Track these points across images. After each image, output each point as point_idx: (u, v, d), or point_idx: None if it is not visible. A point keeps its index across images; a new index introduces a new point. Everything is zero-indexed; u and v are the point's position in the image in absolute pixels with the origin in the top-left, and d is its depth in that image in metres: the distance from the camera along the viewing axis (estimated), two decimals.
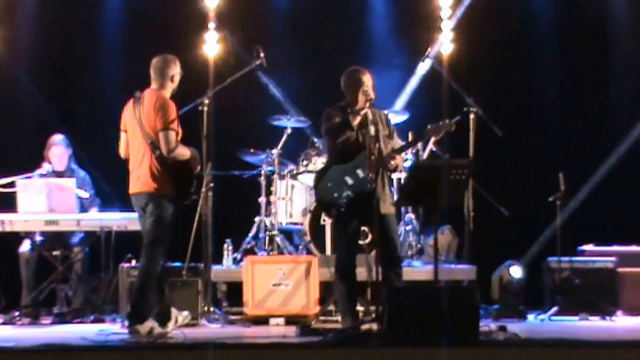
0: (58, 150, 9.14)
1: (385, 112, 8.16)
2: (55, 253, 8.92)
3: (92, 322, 8.53)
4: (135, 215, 8.72)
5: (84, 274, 8.89)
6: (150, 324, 7.55)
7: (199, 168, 7.89)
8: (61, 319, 8.64)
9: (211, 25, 9.65)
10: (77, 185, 8.90)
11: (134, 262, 8.51)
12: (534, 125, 10.43)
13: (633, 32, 10.49)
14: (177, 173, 7.67)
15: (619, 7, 10.53)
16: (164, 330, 7.61)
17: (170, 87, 7.82)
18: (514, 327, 7.77)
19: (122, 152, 7.88)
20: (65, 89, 10.33)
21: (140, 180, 7.67)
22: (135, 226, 8.70)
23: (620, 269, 9.20)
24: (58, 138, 9.22)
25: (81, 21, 10.30)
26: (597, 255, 9.30)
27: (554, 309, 8.91)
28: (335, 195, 7.67)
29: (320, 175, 7.90)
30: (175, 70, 7.85)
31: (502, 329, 7.54)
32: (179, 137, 7.70)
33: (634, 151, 10.31)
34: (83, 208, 8.99)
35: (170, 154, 7.59)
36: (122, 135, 7.86)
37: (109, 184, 9.76)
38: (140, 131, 7.68)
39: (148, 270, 7.60)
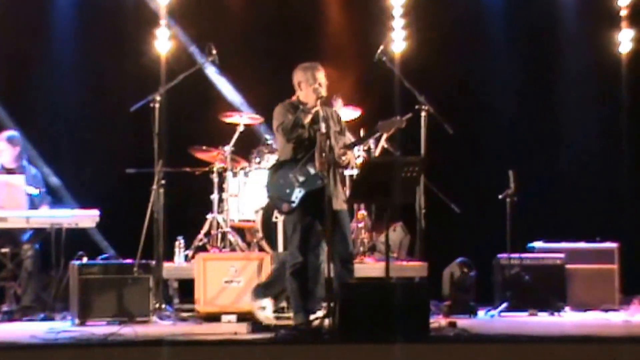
0: (1, 146, 9.04)
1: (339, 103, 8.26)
2: (4, 250, 8.81)
3: (42, 320, 8.46)
4: (86, 212, 8.70)
5: (33, 272, 8.79)
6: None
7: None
8: (10, 317, 8.54)
9: (163, 21, 9.62)
10: (28, 182, 8.82)
11: (85, 260, 8.46)
12: (484, 123, 10.54)
13: (584, 31, 10.64)
14: None
15: (570, 7, 10.67)
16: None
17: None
18: (465, 323, 7.85)
19: None
20: (17, 86, 10.21)
21: None
22: (86, 223, 8.68)
23: (568, 266, 9.33)
24: (4, 135, 9.12)
25: (32, 17, 10.19)
26: (546, 252, 9.43)
27: (504, 304, 9.01)
28: (287, 191, 7.68)
29: (272, 172, 7.91)
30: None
31: (452, 324, 7.62)
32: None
33: (582, 149, 10.47)
34: (33, 205, 8.90)
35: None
36: None
37: (62, 181, 9.73)
38: None
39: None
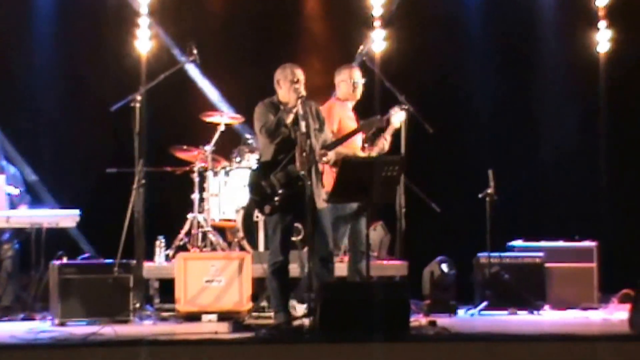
0: None
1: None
2: None
3: (22, 320, 8.43)
4: (66, 211, 8.67)
5: (13, 272, 8.77)
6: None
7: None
8: None
9: (144, 21, 9.60)
10: (7, 182, 8.79)
11: (65, 260, 8.43)
12: (464, 122, 10.58)
13: (562, 30, 10.70)
14: None
15: (548, 6, 10.73)
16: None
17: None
18: (445, 321, 7.88)
19: None
20: None
21: None
22: (67, 223, 8.66)
23: (547, 264, 9.39)
24: None
25: (11, 15, 10.15)
26: (525, 250, 9.48)
27: (484, 303, 9.05)
28: (269, 192, 7.69)
29: (253, 173, 7.92)
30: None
31: (432, 323, 7.65)
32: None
33: (561, 149, 10.53)
34: (13, 205, 8.88)
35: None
36: None
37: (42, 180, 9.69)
38: None
39: None
